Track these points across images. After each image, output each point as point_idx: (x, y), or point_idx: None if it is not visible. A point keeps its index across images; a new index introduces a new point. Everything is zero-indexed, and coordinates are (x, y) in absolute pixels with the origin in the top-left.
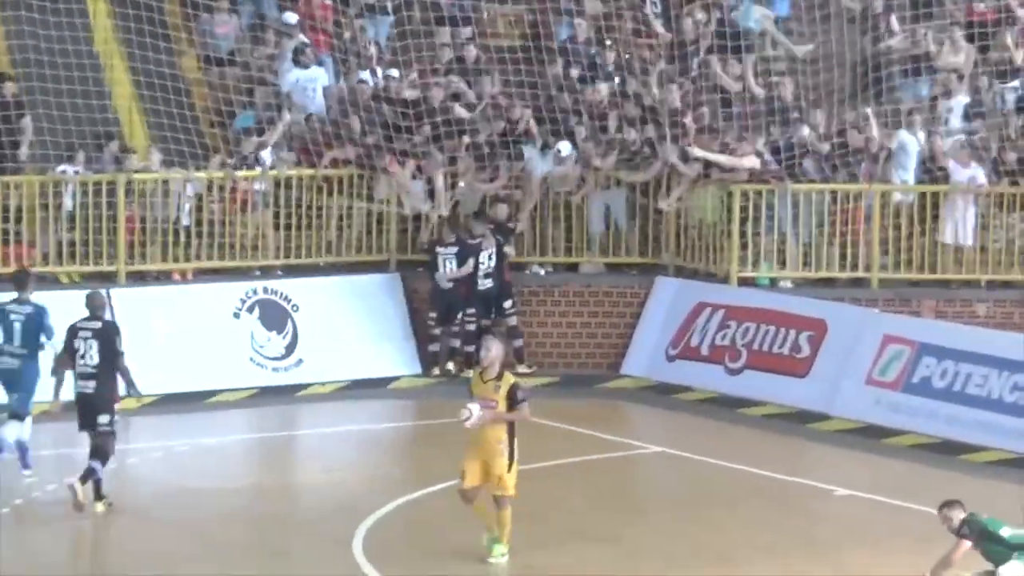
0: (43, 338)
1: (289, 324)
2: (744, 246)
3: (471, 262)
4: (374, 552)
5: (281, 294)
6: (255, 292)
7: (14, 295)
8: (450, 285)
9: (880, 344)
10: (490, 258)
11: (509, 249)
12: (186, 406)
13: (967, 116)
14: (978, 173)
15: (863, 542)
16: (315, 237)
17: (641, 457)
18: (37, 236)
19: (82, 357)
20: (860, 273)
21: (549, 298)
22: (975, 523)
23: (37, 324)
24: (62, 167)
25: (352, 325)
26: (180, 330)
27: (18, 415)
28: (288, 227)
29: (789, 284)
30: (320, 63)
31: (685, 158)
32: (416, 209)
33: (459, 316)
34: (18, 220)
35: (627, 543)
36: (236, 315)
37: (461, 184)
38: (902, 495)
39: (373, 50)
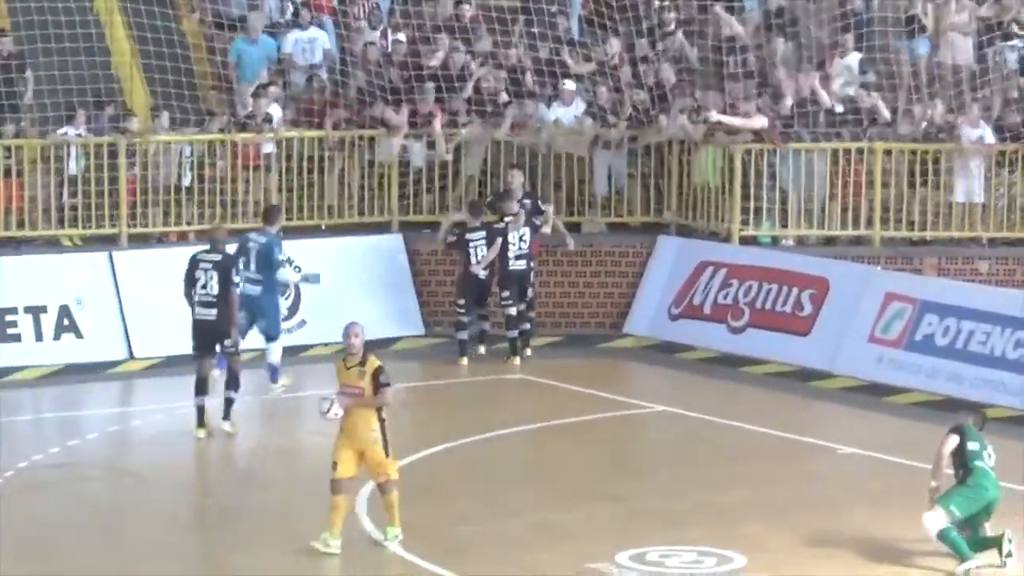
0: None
1: (292, 285)
2: (746, 205)
3: (499, 242)
4: (377, 514)
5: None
6: None
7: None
8: (485, 272)
9: (882, 302)
10: (522, 239)
11: (546, 229)
12: (189, 368)
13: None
14: (986, 132)
15: (866, 499)
16: (316, 199)
17: (644, 416)
18: (38, 198)
19: (203, 287)
20: (862, 231)
21: (551, 258)
22: (962, 427)
23: (268, 253)
24: (63, 129)
25: (354, 287)
26: (182, 292)
27: (271, 337)
28: (290, 189)
29: (791, 242)
30: (320, 25)
31: (692, 120)
32: (416, 164)
33: (489, 301)
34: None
35: (631, 502)
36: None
37: (463, 131)
38: (905, 452)
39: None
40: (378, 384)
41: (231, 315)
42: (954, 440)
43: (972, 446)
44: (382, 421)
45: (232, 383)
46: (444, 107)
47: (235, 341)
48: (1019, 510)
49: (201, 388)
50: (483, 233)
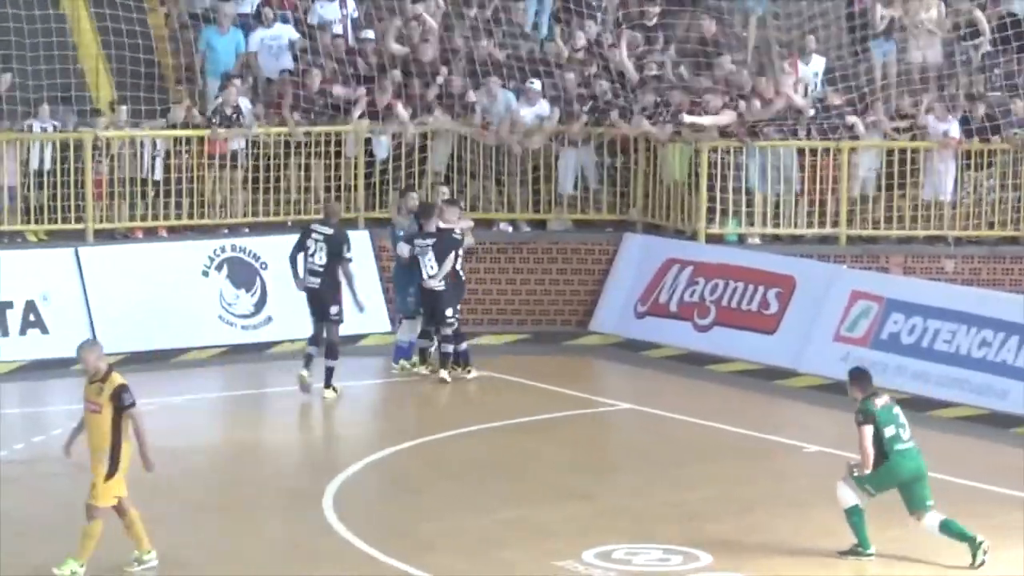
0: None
1: (258, 282)
2: (712, 203)
3: (453, 255)
4: (344, 510)
5: (249, 252)
6: (223, 250)
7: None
8: (441, 285)
9: (848, 300)
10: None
11: (469, 240)
12: (155, 364)
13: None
14: (951, 127)
15: (832, 498)
16: (283, 195)
17: (610, 414)
18: (5, 192)
19: (311, 256)
20: (828, 230)
21: (517, 255)
22: (870, 412)
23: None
24: (28, 122)
25: None
26: (149, 288)
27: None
28: (256, 185)
29: (757, 241)
30: (284, 20)
31: (658, 119)
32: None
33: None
34: None
35: (597, 500)
36: (205, 273)
37: (431, 118)
38: None
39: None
40: (119, 403)
41: (337, 286)
42: (869, 431)
43: (887, 432)
44: (118, 443)
45: (331, 352)
46: (405, 96)
47: (339, 311)
48: (981, 511)
49: (313, 341)
50: (432, 240)
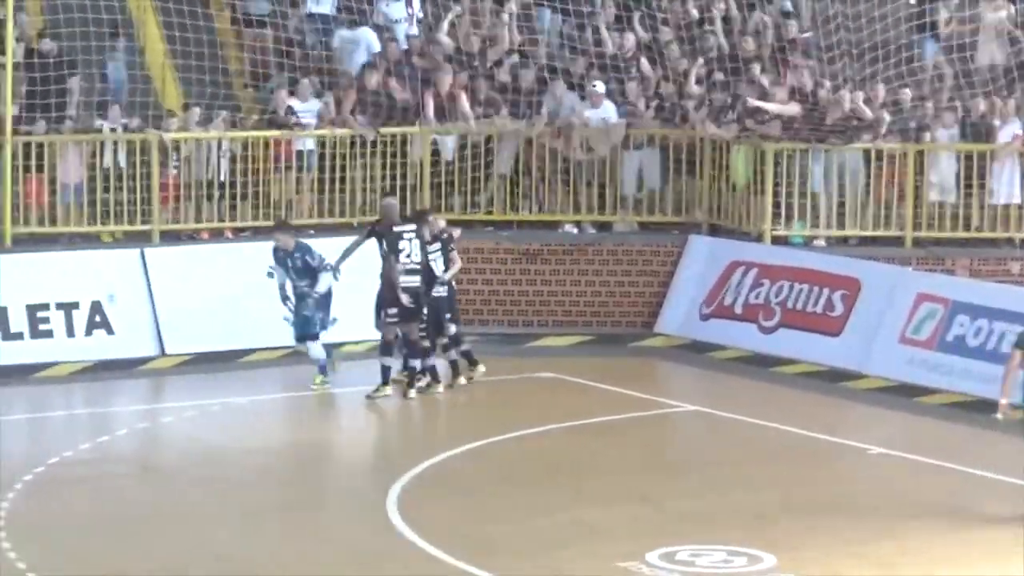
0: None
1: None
2: (777, 205)
3: (455, 254)
4: (408, 511)
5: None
6: None
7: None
8: (444, 291)
9: (913, 302)
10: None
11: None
12: (220, 365)
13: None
14: (1015, 126)
15: (896, 500)
16: (348, 196)
17: (675, 415)
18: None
19: (407, 256)
20: (894, 232)
21: (583, 257)
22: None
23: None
24: (99, 123)
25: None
26: (214, 289)
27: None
28: (322, 187)
29: (823, 243)
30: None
31: (722, 120)
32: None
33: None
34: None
35: (661, 501)
36: (270, 274)
37: (497, 121)
38: (936, 453)
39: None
40: None
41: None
42: (1017, 354)
43: None
44: None
45: (417, 350)
46: (468, 87)
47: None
48: None
49: (386, 351)
50: (439, 244)
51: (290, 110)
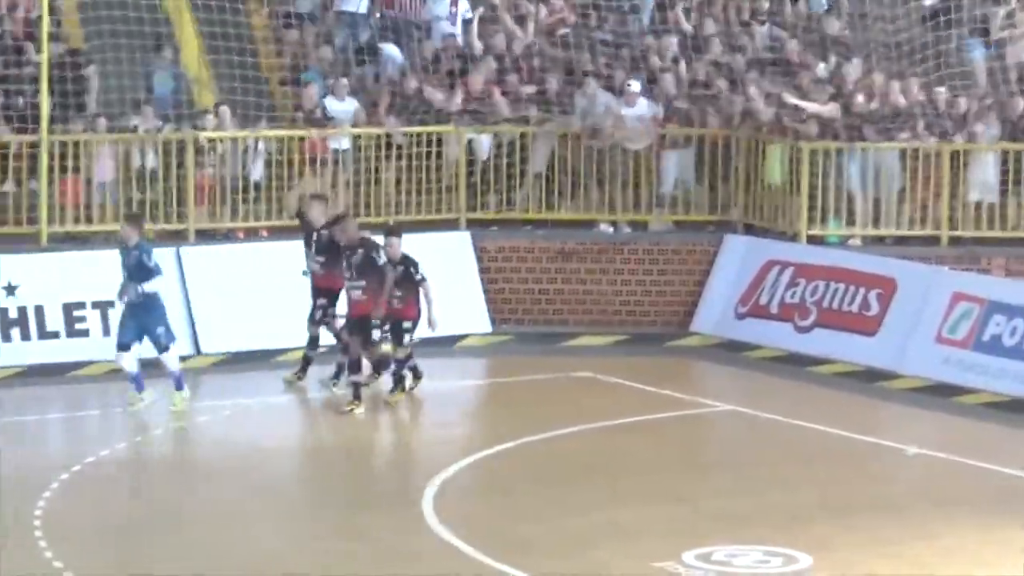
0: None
1: None
2: (813, 204)
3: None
4: (443, 511)
5: None
6: None
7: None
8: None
9: (949, 302)
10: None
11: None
12: (255, 364)
13: None
14: None
15: (933, 500)
16: (383, 196)
17: (710, 415)
18: (105, 188)
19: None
20: (930, 231)
21: (618, 256)
22: None
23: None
24: (133, 123)
25: None
26: (249, 288)
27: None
28: (357, 185)
29: (858, 242)
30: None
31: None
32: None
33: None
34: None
35: (697, 501)
36: (306, 273)
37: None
38: (973, 453)
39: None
40: None
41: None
42: None
43: None
44: None
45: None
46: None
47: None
48: None
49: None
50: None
51: (323, 109)
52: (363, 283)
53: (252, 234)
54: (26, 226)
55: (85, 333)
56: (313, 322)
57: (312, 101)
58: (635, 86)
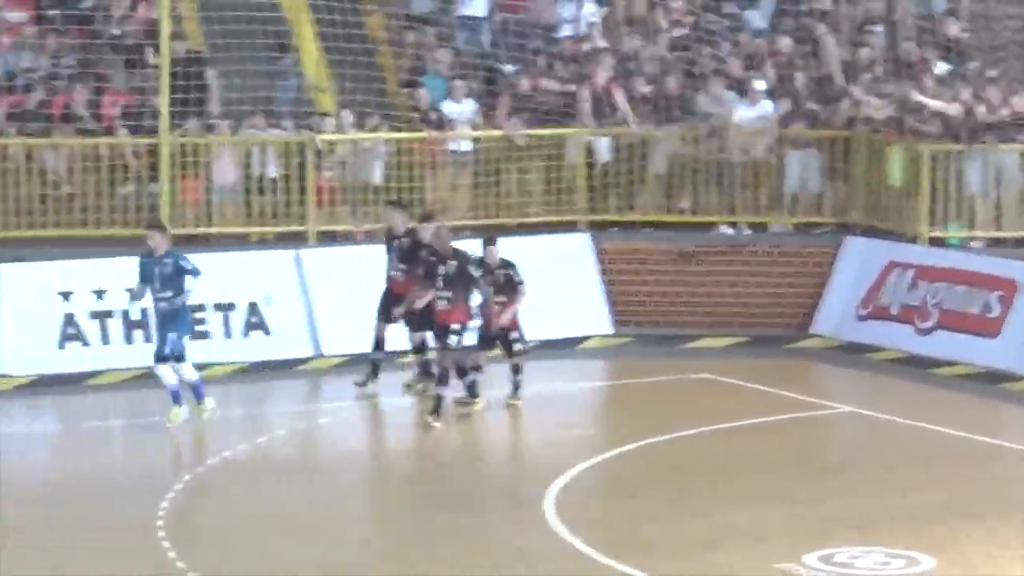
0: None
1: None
2: (933, 206)
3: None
4: (565, 513)
5: (471, 254)
6: None
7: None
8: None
9: None
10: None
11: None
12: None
13: None
14: None
15: None
16: (504, 198)
17: (831, 417)
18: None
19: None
20: None
21: (738, 258)
22: None
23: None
24: (252, 128)
25: (542, 285)
26: (370, 290)
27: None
28: (476, 187)
29: (979, 244)
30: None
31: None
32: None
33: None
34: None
35: (818, 503)
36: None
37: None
38: None
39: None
40: None
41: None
42: None
43: None
44: None
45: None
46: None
47: None
48: None
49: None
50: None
51: (439, 111)
52: (450, 294)
53: (372, 236)
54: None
55: (207, 335)
56: (383, 322)
57: (426, 103)
58: (759, 84)
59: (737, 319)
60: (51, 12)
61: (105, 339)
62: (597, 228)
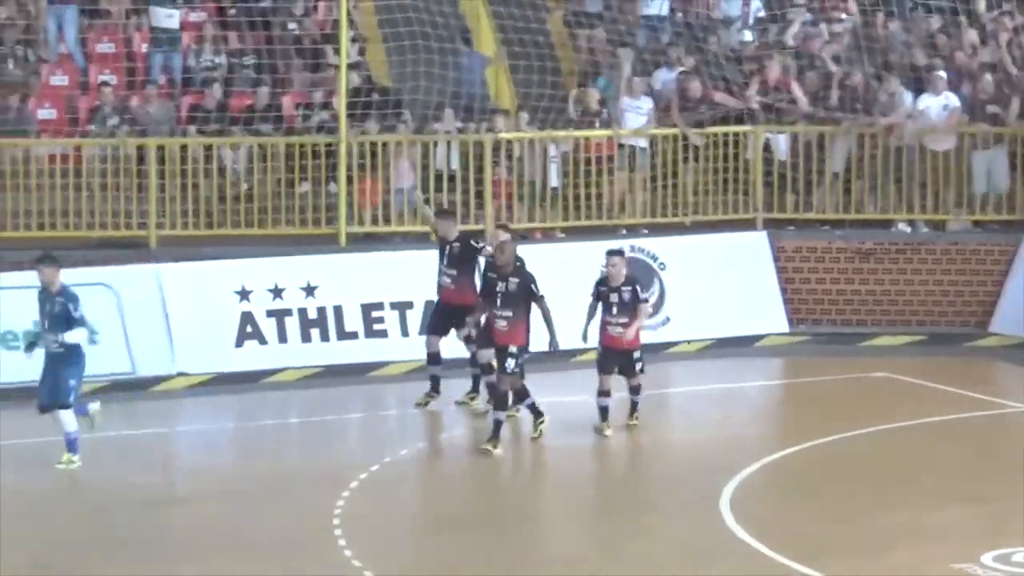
0: None
1: (656, 282)
2: None
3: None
4: (741, 511)
5: (648, 252)
6: None
7: None
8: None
9: None
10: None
11: None
12: (550, 364)
13: None
14: None
15: None
16: (680, 196)
17: (1011, 416)
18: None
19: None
20: None
21: (916, 256)
22: None
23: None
24: (434, 125)
25: (718, 283)
26: (546, 288)
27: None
28: (653, 186)
29: None
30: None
31: None
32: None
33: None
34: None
35: (997, 502)
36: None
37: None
38: None
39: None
40: None
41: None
42: None
43: None
44: None
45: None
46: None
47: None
48: None
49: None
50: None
51: (610, 110)
52: (509, 313)
53: (548, 235)
54: (325, 227)
55: (384, 334)
56: (433, 335)
57: (596, 102)
58: (942, 74)
59: (915, 317)
60: (230, 11)
61: (282, 337)
62: (774, 226)
